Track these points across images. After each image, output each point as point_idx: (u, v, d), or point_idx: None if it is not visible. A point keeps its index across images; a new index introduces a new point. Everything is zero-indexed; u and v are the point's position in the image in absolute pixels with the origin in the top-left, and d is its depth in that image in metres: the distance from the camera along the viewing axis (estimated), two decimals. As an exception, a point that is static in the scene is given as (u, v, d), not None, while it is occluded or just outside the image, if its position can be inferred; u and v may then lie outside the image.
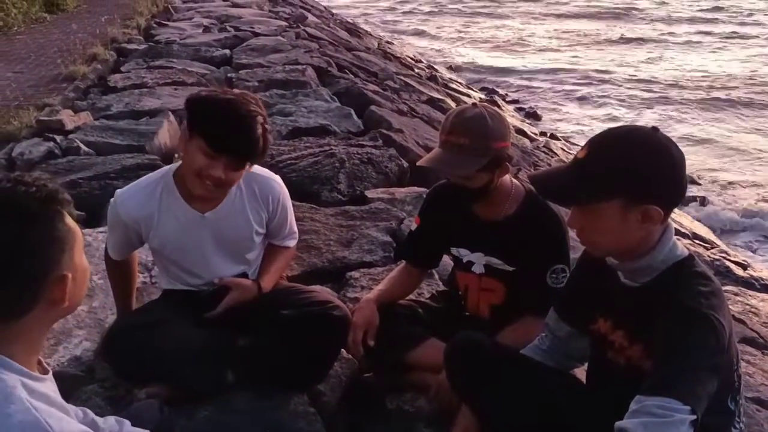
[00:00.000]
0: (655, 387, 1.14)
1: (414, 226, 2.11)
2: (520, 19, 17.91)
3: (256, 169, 1.97)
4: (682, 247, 1.33)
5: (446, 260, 2.30)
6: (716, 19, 17.32)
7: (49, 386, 1.11)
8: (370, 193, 3.46)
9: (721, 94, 10.24)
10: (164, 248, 1.93)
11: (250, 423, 1.78)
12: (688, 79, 11.35)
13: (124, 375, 1.87)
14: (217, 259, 1.96)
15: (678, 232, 4.58)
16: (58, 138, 4.21)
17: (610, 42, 14.91)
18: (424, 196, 3.26)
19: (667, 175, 1.25)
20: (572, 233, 1.80)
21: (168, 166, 1.97)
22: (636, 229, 1.27)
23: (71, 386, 1.91)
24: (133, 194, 1.89)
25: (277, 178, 2.03)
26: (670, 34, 15.66)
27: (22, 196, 1.02)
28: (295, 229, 2.14)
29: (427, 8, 20.06)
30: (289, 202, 2.05)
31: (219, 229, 1.91)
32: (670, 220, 1.31)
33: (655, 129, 1.30)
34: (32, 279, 1.03)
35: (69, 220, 1.08)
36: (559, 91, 11.19)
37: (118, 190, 1.93)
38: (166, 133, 4.43)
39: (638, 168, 1.24)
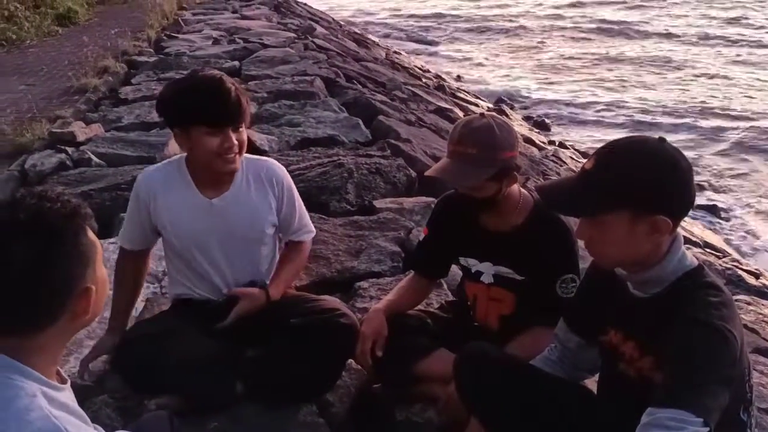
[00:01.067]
0: (667, 399, 1.13)
1: (422, 237, 2.11)
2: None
3: (257, 157, 2.07)
4: (692, 257, 1.32)
5: (455, 270, 2.30)
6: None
7: (67, 395, 1.13)
8: (378, 203, 3.46)
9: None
10: (170, 233, 1.95)
11: (260, 434, 1.79)
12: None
13: (135, 386, 1.87)
14: (227, 255, 1.97)
15: (689, 241, 4.56)
16: (70, 150, 4.27)
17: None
18: (433, 206, 3.27)
19: (675, 185, 1.25)
20: (581, 243, 1.80)
21: (182, 154, 2.01)
22: (644, 241, 1.26)
23: (82, 397, 1.92)
24: (153, 170, 2.01)
25: (281, 165, 2.09)
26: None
27: (47, 212, 1.04)
28: (309, 222, 2.14)
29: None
30: (294, 189, 2.09)
31: (228, 217, 1.94)
32: (679, 230, 1.31)
33: (662, 139, 1.29)
34: (58, 293, 1.05)
35: (91, 234, 1.11)
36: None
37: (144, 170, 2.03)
38: (176, 144, 4.46)
39: (646, 179, 1.24)
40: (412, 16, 18.64)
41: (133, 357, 1.82)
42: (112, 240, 2.96)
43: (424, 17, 18.40)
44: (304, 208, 2.12)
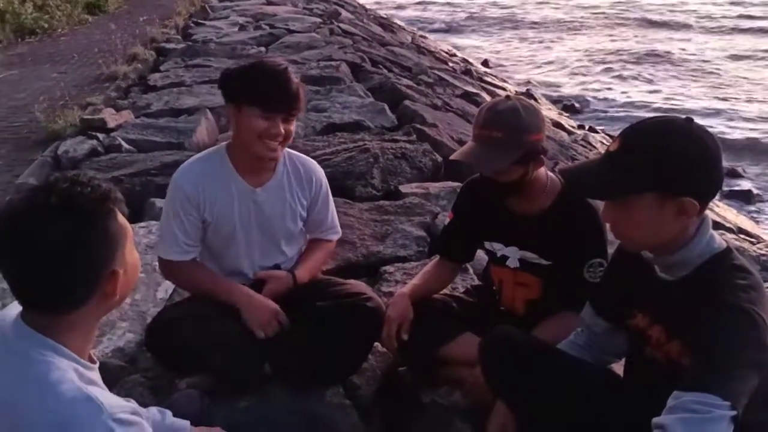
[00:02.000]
0: (694, 382, 1.12)
1: (448, 221, 2.11)
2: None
3: (300, 154, 2.07)
4: (720, 239, 1.29)
5: (481, 254, 2.29)
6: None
7: (96, 375, 1.17)
8: (404, 188, 3.46)
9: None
10: (215, 221, 1.93)
11: (288, 414, 1.82)
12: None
13: (167, 366, 1.92)
14: (260, 243, 2.00)
15: (722, 227, 4.47)
16: (101, 136, 4.35)
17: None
18: (458, 190, 3.27)
19: (703, 166, 1.22)
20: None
21: (219, 144, 2.02)
22: (671, 223, 1.24)
23: (115, 376, 1.98)
24: (191, 164, 1.96)
25: (320, 167, 2.09)
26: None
27: (78, 196, 1.07)
28: (337, 224, 2.16)
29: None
30: (329, 192, 2.10)
31: (265, 206, 1.96)
32: (706, 212, 1.28)
33: (689, 120, 1.26)
34: (88, 274, 1.08)
35: (121, 218, 1.13)
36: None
37: (176, 172, 1.96)
38: (204, 130, 4.52)
39: (672, 160, 1.21)
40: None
41: (166, 338, 1.85)
42: (142, 224, 3.03)
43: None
44: (335, 209, 2.14)
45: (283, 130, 1.85)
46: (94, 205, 1.08)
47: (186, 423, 1.55)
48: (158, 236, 2.06)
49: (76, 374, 1.07)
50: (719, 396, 1.09)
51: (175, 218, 1.89)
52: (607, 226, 1.39)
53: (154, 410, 1.52)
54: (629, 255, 1.42)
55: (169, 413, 1.54)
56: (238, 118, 1.85)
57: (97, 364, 1.20)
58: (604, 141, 7.69)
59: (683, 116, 1.28)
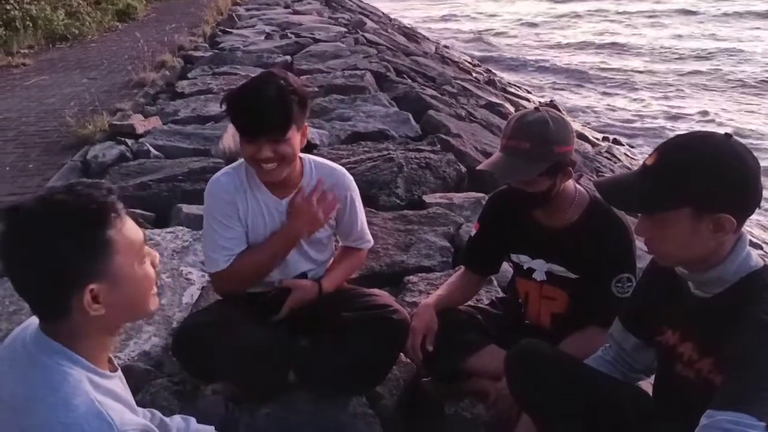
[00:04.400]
0: (728, 401, 1.10)
1: (474, 232, 2.10)
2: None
3: (328, 163, 2.04)
4: (757, 257, 1.27)
5: (505, 266, 2.28)
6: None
7: (116, 383, 1.16)
8: (428, 198, 3.46)
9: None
10: (248, 232, 1.94)
11: (311, 422, 1.82)
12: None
13: (192, 372, 1.93)
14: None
15: (750, 243, 4.39)
16: (130, 141, 4.42)
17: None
18: (483, 201, 3.26)
19: (741, 183, 1.20)
20: (639, 241, 1.75)
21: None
22: (707, 239, 1.22)
23: (140, 380, 2.00)
24: (223, 176, 1.95)
25: (348, 175, 2.05)
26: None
27: (66, 205, 1.05)
28: (368, 233, 2.13)
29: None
30: (359, 200, 2.06)
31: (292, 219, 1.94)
32: (743, 229, 1.26)
33: (728, 135, 1.25)
34: (58, 286, 1.05)
35: (120, 230, 1.08)
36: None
37: (207, 184, 1.96)
38: (230, 137, 4.56)
39: (710, 176, 1.20)
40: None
41: (192, 344, 1.87)
42: (169, 230, 3.07)
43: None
44: (364, 218, 2.11)
45: (271, 153, 1.79)
46: (78, 215, 1.05)
47: (210, 429, 1.56)
48: (204, 254, 1.99)
49: (91, 385, 1.06)
50: (754, 416, 1.07)
51: (219, 228, 1.90)
52: (641, 240, 1.37)
53: (177, 418, 1.54)
54: (662, 270, 1.40)
55: (192, 420, 1.55)
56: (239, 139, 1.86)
57: (118, 372, 1.20)
58: (629, 153, 7.62)
59: (723, 132, 1.27)
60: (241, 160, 1.96)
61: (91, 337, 1.11)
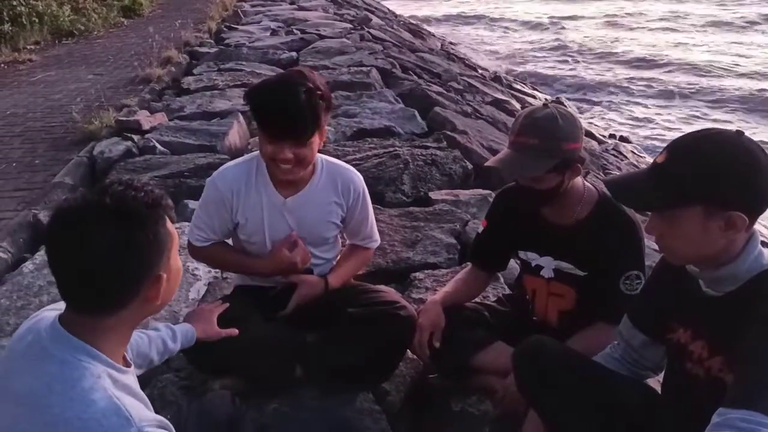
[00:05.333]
0: (740, 400, 1.10)
1: (481, 229, 2.10)
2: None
3: (340, 162, 2.04)
4: (770, 255, 1.26)
5: (513, 263, 2.28)
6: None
7: (131, 379, 1.17)
8: (434, 195, 3.46)
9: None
10: (246, 227, 1.97)
11: (318, 417, 1.82)
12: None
13: (199, 367, 1.94)
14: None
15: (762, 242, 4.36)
16: (136, 137, 4.42)
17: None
18: (489, 198, 3.25)
19: (753, 181, 1.19)
20: (647, 239, 1.75)
21: (258, 151, 2.00)
22: (719, 237, 1.22)
23: (148, 374, 2.00)
24: (229, 168, 1.99)
25: (359, 175, 2.06)
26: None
27: (131, 200, 1.09)
28: (376, 233, 2.14)
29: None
30: (369, 201, 2.07)
31: (297, 216, 1.96)
32: (755, 227, 1.25)
33: (739, 132, 1.24)
34: (133, 277, 1.10)
35: (169, 225, 1.15)
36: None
37: (215, 173, 2.01)
38: (236, 133, 4.57)
39: (721, 173, 1.19)
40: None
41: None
42: (176, 225, 3.06)
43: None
44: (374, 218, 2.12)
45: (291, 155, 1.80)
46: (145, 210, 1.10)
47: (188, 326, 1.73)
48: (192, 220, 2.11)
49: (110, 380, 1.08)
50: (766, 414, 1.06)
51: (205, 212, 1.99)
52: (652, 237, 1.36)
53: (163, 330, 1.66)
54: (672, 268, 1.39)
55: (177, 327, 1.71)
56: (258, 135, 1.87)
57: (132, 366, 1.21)
58: (635, 151, 7.59)
59: (734, 129, 1.26)
60: (255, 152, 1.97)
61: (119, 331, 1.14)
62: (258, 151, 1.97)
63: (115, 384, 1.08)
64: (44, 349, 1.09)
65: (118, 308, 1.11)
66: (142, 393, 1.20)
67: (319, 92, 1.78)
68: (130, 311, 1.13)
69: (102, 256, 1.06)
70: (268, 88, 1.82)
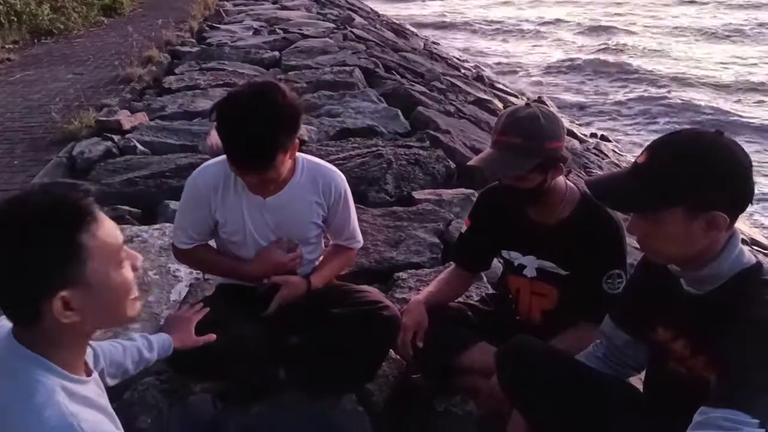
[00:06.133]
0: (722, 399, 1.10)
1: (464, 228, 2.10)
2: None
3: (322, 162, 2.02)
4: (750, 254, 1.27)
5: (495, 263, 2.28)
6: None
7: (91, 388, 1.11)
8: (417, 194, 3.46)
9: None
10: (226, 226, 1.95)
11: (301, 420, 1.81)
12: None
13: (180, 370, 1.91)
14: None
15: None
16: (116, 137, 4.37)
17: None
18: (472, 197, 3.26)
19: (734, 180, 1.20)
20: (628, 237, 1.76)
21: None
22: (701, 237, 1.22)
23: (128, 378, 1.97)
24: (209, 166, 1.97)
25: (342, 175, 2.03)
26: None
27: (37, 208, 1.01)
28: (358, 233, 2.13)
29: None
30: (351, 201, 2.05)
31: (277, 216, 1.94)
32: (736, 226, 1.26)
33: (719, 133, 1.25)
34: (25, 293, 1.01)
35: (92, 234, 1.03)
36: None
37: (195, 170, 1.99)
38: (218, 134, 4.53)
39: (702, 174, 1.19)
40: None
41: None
42: (156, 226, 3.04)
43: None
44: (356, 218, 2.11)
45: (256, 179, 1.79)
46: (46, 220, 1.00)
47: (165, 336, 1.66)
48: (174, 225, 2.09)
49: (64, 393, 1.02)
50: (748, 413, 1.07)
51: (186, 212, 1.98)
52: (633, 237, 1.37)
53: (139, 340, 1.58)
54: (654, 267, 1.40)
55: (153, 337, 1.63)
56: None
57: (94, 375, 1.15)
58: (616, 149, 7.66)
59: (713, 129, 1.26)
60: None
61: (66, 343, 1.06)
62: None
63: (72, 397, 1.02)
64: (2, 360, 1.04)
65: (31, 323, 1.03)
66: (105, 404, 1.14)
67: (279, 115, 1.70)
68: (50, 326, 1.02)
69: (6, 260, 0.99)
70: (228, 108, 1.73)
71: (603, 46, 14.21)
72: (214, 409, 1.82)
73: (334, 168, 2.04)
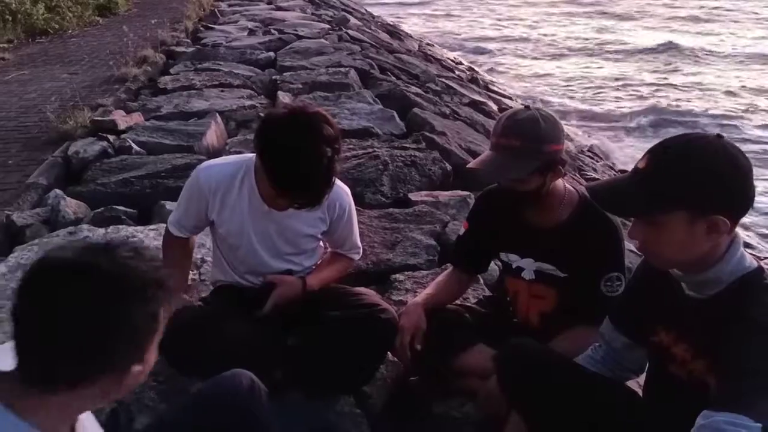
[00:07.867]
0: (725, 402, 1.10)
1: (462, 231, 2.10)
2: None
3: None
4: (751, 258, 1.27)
5: (493, 265, 2.28)
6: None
7: None
8: (413, 196, 3.45)
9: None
10: (222, 227, 1.95)
11: (298, 422, 1.80)
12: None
13: (178, 370, 1.90)
14: (273, 256, 1.99)
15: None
16: (111, 137, 4.34)
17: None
18: (468, 199, 3.26)
19: (735, 184, 1.20)
20: (626, 240, 1.76)
21: (253, 154, 1.90)
22: (702, 241, 1.22)
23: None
24: (217, 165, 1.97)
25: (347, 189, 2.04)
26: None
27: (134, 270, 0.93)
28: (359, 245, 2.15)
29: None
30: (354, 216, 2.07)
31: (280, 227, 1.95)
32: (737, 230, 1.27)
33: (719, 136, 1.25)
34: (98, 362, 0.92)
35: (164, 311, 0.97)
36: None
37: (203, 163, 2.00)
38: (213, 134, 4.52)
39: (703, 178, 1.19)
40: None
41: (177, 341, 1.82)
42: (152, 227, 3.02)
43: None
44: (358, 231, 2.13)
45: (290, 204, 1.80)
46: (149, 285, 0.93)
47: None
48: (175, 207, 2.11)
49: None
50: (751, 417, 1.07)
51: (184, 202, 2.00)
52: (631, 242, 1.37)
53: None
54: (654, 270, 1.40)
55: None
56: (259, 168, 1.80)
57: (78, 422, 1.03)
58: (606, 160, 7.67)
59: (714, 133, 1.27)
60: (247, 156, 1.95)
61: (64, 410, 0.96)
62: (249, 156, 1.94)
63: None
64: None
65: (67, 389, 0.93)
66: None
67: (337, 153, 1.72)
68: (78, 397, 0.94)
69: (72, 329, 0.89)
70: (289, 148, 1.67)
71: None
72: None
73: (340, 183, 2.00)
